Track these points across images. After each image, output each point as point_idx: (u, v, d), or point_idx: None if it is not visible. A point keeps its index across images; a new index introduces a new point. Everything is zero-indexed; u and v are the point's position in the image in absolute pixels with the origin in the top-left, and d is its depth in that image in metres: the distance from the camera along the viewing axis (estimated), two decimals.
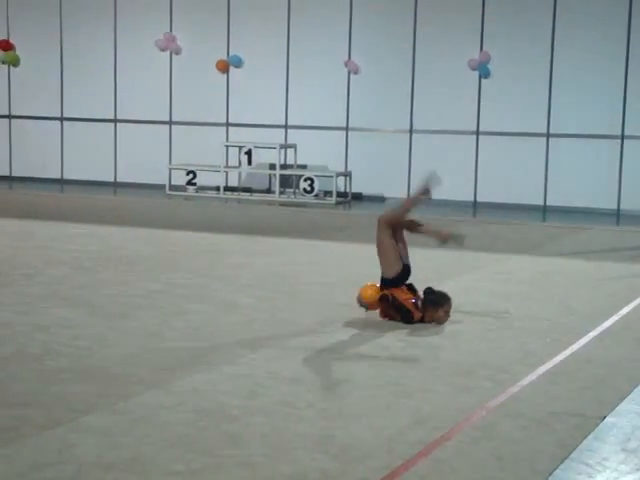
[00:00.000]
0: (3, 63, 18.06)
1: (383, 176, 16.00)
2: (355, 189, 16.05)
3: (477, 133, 15.48)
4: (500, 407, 4.88)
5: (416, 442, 4.29)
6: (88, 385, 5.07)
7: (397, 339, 6.32)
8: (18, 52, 18.05)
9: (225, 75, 16.85)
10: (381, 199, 16.00)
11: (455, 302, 7.55)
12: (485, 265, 9.57)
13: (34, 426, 4.38)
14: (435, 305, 6.77)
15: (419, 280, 8.53)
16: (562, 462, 4.11)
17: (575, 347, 6.21)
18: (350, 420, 4.60)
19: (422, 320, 6.76)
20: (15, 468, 3.87)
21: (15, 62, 18.06)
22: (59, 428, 4.36)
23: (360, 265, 9.39)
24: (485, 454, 4.19)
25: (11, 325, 6.41)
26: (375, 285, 6.91)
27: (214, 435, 4.33)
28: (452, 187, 15.46)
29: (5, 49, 17.92)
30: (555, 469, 4.03)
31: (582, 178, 14.91)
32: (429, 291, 6.87)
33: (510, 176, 15.33)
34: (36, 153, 18.06)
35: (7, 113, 18.27)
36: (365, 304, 6.91)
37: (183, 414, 4.62)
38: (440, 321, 6.78)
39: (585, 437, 4.44)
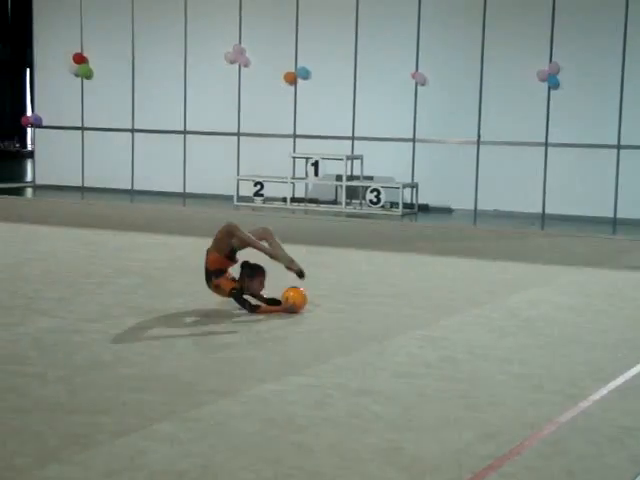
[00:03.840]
0: (77, 76, 18.46)
1: (450, 188, 15.94)
2: (422, 200, 16.01)
3: (546, 144, 15.33)
4: (570, 422, 4.82)
5: (485, 456, 4.27)
6: (159, 393, 5.15)
7: (465, 352, 6.29)
8: (91, 65, 18.44)
9: (293, 87, 16.97)
10: (448, 210, 15.95)
11: (524, 315, 7.51)
12: (554, 278, 9.47)
13: (107, 433, 4.46)
14: (250, 277, 7.39)
15: (487, 292, 8.51)
16: (635, 478, 4.06)
17: None
18: (418, 432, 4.59)
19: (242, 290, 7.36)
20: (88, 474, 3.95)
21: (88, 75, 18.44)
22: (131, 435, 4.44)
23: (427, 276, 9.38)
24: (556, 469, 4.14)
25: (84, 333, 6.54)
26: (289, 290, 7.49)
27: (283, 445, 4.36)
28: (520, 199, 15.40)
29: (79, 62, 18.31)
30: None
31: None
32: (244, 264, 7.50)
33: (579, 188, 15.14)
34: (107, 164, 18.40)
35: (80, 125, 18.65)
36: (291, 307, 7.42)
37: (252, 423, 4.66)
38: (256, 291, 7.40)
39: None
